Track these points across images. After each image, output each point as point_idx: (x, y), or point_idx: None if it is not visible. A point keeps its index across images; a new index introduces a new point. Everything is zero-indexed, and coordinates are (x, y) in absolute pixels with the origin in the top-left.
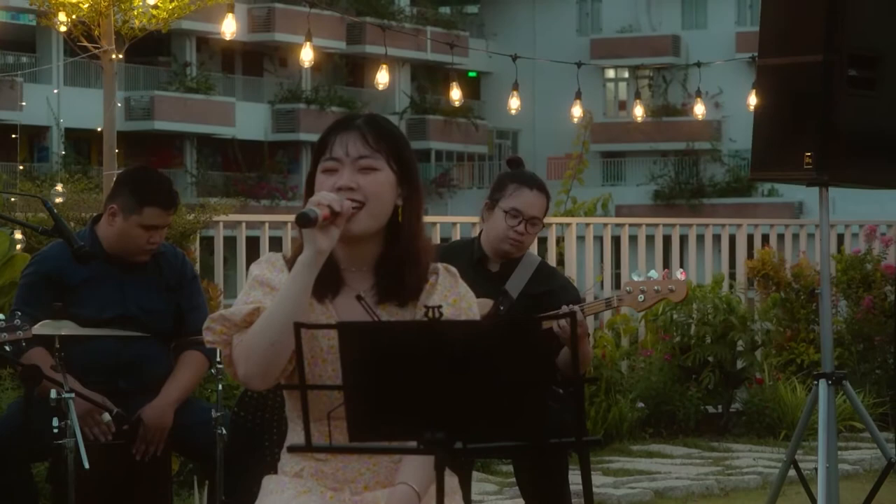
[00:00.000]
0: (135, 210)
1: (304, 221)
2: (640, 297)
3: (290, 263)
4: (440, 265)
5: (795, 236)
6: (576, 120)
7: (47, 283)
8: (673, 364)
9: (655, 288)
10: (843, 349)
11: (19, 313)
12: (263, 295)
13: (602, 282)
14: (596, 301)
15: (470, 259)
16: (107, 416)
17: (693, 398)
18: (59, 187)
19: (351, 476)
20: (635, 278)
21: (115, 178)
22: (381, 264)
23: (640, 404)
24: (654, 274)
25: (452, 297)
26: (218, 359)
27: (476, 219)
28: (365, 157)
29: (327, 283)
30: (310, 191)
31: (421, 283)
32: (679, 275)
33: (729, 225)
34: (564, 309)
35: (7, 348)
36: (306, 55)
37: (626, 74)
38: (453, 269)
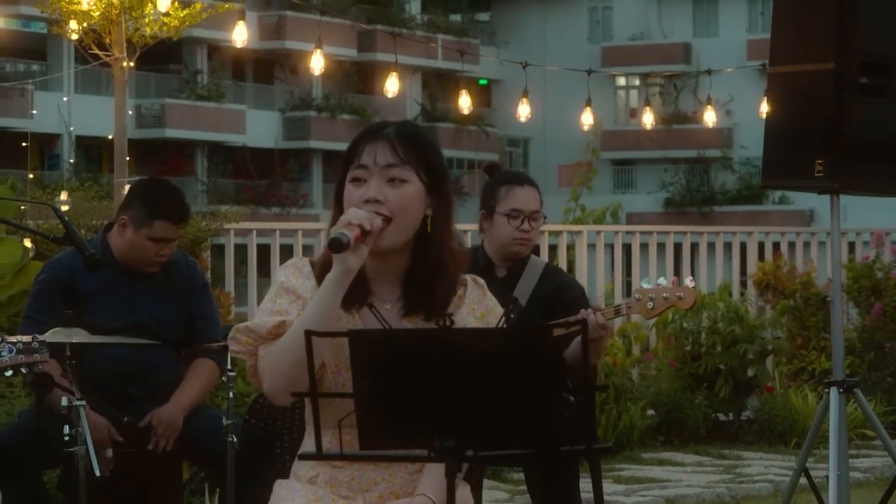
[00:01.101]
0: (145, 223)
1: (337, 247)
2: (650, 305)
3: (316, 269)
4: (469, 277)
5: (807, 244)
6: (586, 127)
7: (59, 291)
8: (683, 372)
9: (664, 295)
10: (853, 357)
11: (37, 336)
12: (289, 303)
13: (613, 290)
14: (606, 308)
15: (476, 267)
16: (109, 452)
17: (704, 406)
18: (64, 195)
19: (366, 485)
20: (645, 286)
21: (128, 189)
22: (410, 276)
23: (651, 412)
24: (663, 281)
25: (480, 311)
26: (229, 367)
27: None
28: (393, 167)
29: (355, 293)
30: (338, 200)
31: (449, 295)
32: (688, 282)
33: (740, 233)
34: (578, 316)
35: (23, 371)
36: (317, 63)
37: (637, 82)
38: (481, 281)
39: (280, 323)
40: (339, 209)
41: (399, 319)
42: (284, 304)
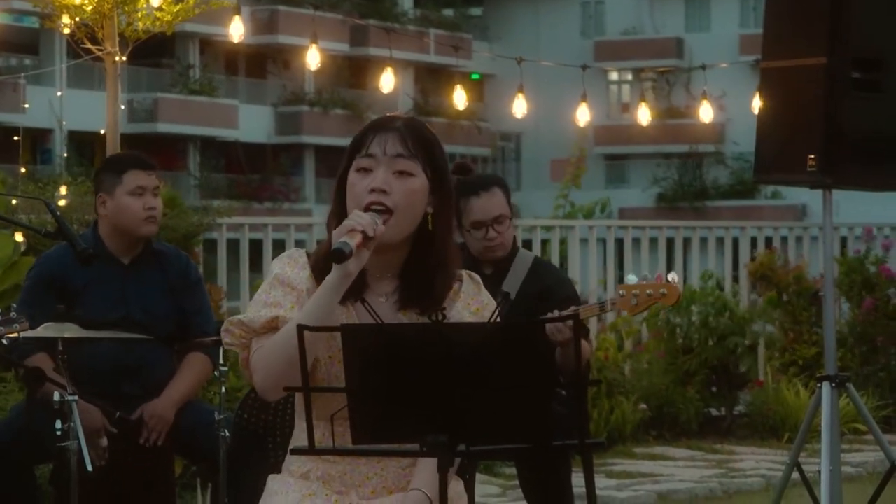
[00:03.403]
0: (116, 182)
1: (340, 258)
2: (633, 301)
3: (312, 260)
4: (464, 272)
5: (799, 239)
6: (581, 123)
7: (50, 286)
8: (675, 366)
9: (648, 292)
10: (845, 351)
11: (14, 306)
12: (283, 295)
13: (605, 284)
14: (591, 305)
15: (463, 264)
16: (104, 441)
17: (696, 400)
18: (63, 190)
19: (358, 480)
20: (629, 281)
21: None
22: (407, 270)
23: (643, 406)
24: (648, 276)
25: (475, 306)
26: (221, 361)
27: None
28: (402, 157)
29: (351, 287)
30: (341, 190)
31: (446, 291)
32: (671, 278)
33: (732, 227)
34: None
35: (4, 342)
36: (312, 58)
37: (630, 77)
38: (476, 277)
39: (274, 318)
40: (340, 199)
41: (394, 313)
42: (278, 296)
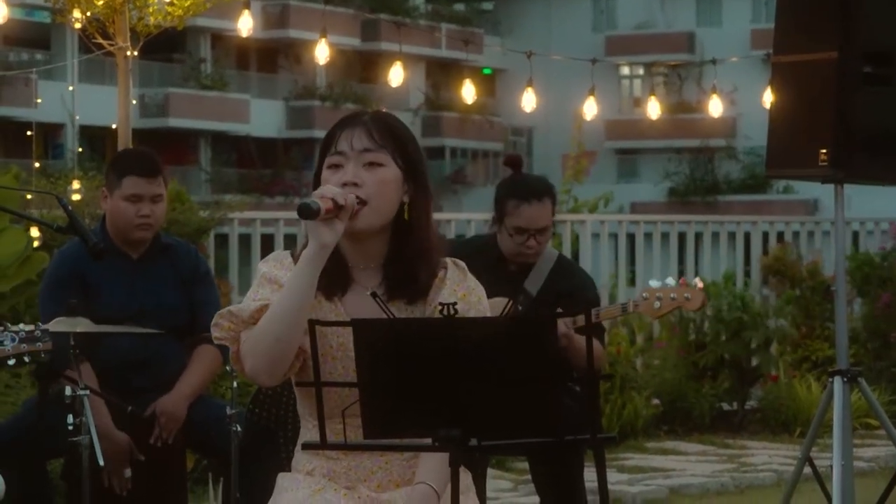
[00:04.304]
0: (116, 185)
1: (307, 213)
2: (657, 304)
3: (297, 261)
4: (448, 259)
5: (811, 234)
6: (588, 117)
7: (70, 283)
8: (687, 361)
9: (672, 296)
10: (858, 346)
11: (40, 325)
12: (271, 293)
13: (616, 279)
14: (612, 306)
15: (490, 258)
16: (129, 472)
17: (708, 395)
18: (75, 184)
19: (363, 475)
20: (653, 285)
21: None
22: (390, 261)
23: (655, 401)
24: (671, 281)
25: (462, 292)
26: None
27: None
28: (369, 151)
29: (336, 280)
30: (316, 187)
31: (431, 279)
32: (696, 283)
33: (744, 222)
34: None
35: (26, 359)
36: (321, 52)
37: (641, 71)
38: (461, 264)
39: (262, 307)
40: None
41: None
42: (266, 294)
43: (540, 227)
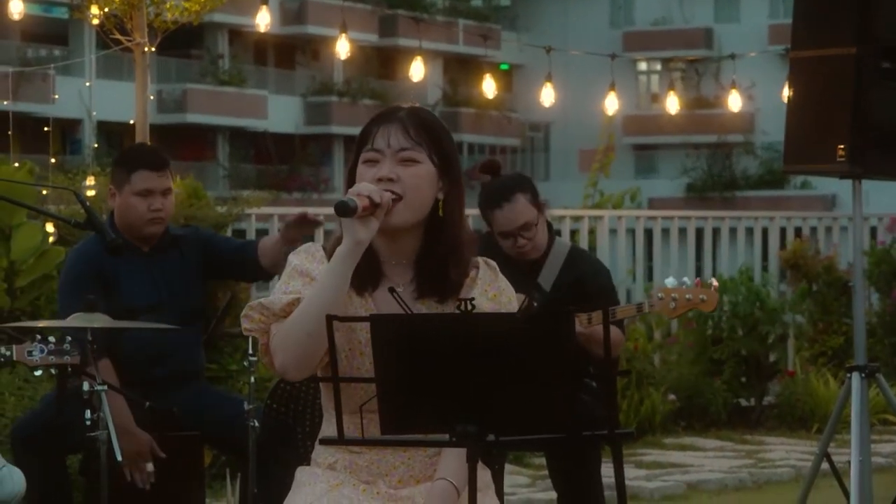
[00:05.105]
0: (125, 180)
1: (343, 210)
2: (672, 305)
3: (329, 254)
4: (480, 259)
5: (828, 229)
6: (609, 112)
7: (88, 280)
8: (704, 357)
9: (687, 296)
10: (875, 342)
11: (69, 338)
12: (303, 285)
13: (634, 275)
14: (628, 305)
15: (498, 257)
16: (150, 467)
17: (725, 391)
18: (92, 180)
19: (385, 470)
20: (669, 284)
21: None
22: (422, 258)
23: (672, 397)
24: (687, 281)
25: (493, 292)
26: (251, 351)
27: None
28: (406, 150)
29: (367, 275)
30: (351, 182)
31: (462, 278)
32: (712, 283)
33: (762, 218)
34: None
35: (53, 371)
36: (342, 48)
37: (659, 67)
38: (493, 263)
39: (294, 300)
40: None
41: (412, 302)
42: (297, 286)
43: (519, 224)
